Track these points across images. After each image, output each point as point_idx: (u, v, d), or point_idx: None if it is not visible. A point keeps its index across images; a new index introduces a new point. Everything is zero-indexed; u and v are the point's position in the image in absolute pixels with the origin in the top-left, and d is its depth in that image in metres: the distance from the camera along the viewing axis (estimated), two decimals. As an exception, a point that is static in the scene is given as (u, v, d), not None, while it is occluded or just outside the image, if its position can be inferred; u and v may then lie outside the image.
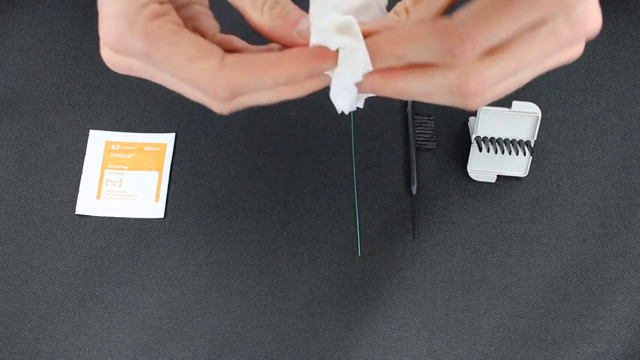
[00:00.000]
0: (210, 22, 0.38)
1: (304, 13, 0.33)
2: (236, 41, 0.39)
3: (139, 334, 0.46)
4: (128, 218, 0.49)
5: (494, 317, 0.47)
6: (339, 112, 0.36)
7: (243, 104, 0.35)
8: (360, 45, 0.32)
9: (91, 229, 0.49)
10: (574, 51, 0.34)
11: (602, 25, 0.53)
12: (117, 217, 0.49)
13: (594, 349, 0.47)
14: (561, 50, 0.32)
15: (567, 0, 0.30)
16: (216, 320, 0.47)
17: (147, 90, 0.53)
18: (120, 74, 0.55)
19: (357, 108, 0.36)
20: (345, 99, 0.35)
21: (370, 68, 0.32)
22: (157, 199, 0.50)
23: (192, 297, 0.47)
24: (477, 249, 0.49)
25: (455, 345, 0.47)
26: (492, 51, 0.31)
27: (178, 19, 0.33)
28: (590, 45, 0.53)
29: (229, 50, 0.38)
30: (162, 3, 0.33)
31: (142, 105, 0.53)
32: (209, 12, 0.38)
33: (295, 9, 0.34)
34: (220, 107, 0.34)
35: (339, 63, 0.33)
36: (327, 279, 0.48)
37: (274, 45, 0.36)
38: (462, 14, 0.30)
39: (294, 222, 0.49)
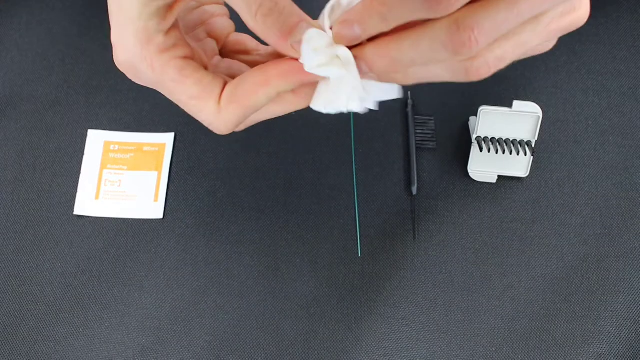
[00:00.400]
0: (223, 24, 0.38)
1: (302, 18, 0.32)
2: (249, 41, 0.39)
3: (138, 335, 0.46)
4: (127, 218, 0.49)
5: (495, 318, 0.47)
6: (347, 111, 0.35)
7: (254, 122, 0.36)
8: (351, 75, 0.31)
9: (90, 229, 0.49)
10: (577, 12, 0.32)
11: (603, 25, 0.53)
12: (116, 218, 0.49)
13: (595, 349, 0.47)
14: (555, 5, 0.30)
15: None
16: (215, 321, 0.47)
17: (146, 90, 0.53)
18: (120, 74, 0.54)
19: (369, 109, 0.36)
20: (351, 101, 0.34)
21: (362, 93, 0.32)
22: (156, 199, 0.50)
23: (191, 298, 0.47)
24: (478, 249, 0.49)
25: (455, 347, 0.46)
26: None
27: (187, 51, 0.34)
28: (591, 45, 0.53)
29: (241, 51, 0.39)
30: (167, 33, 0.33)
31: (141, 105, 0.53)
32: (224, 11, 0.38)
33: (292, 15, 0.32)
34: (225, 133, 0.35)
35: (330, 89, 0.33)
36: (327, 280, 0.48)
37: None
38: None
39: (294, 222, 0.49)
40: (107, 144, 0.51)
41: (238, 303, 0.47)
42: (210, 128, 0.35)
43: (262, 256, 0.48)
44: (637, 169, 0.50)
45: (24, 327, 0.46)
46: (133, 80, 0.35)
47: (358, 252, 0.48)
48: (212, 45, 0.38)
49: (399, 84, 0.33)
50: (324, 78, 0.33)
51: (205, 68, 0.35)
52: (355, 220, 0.49)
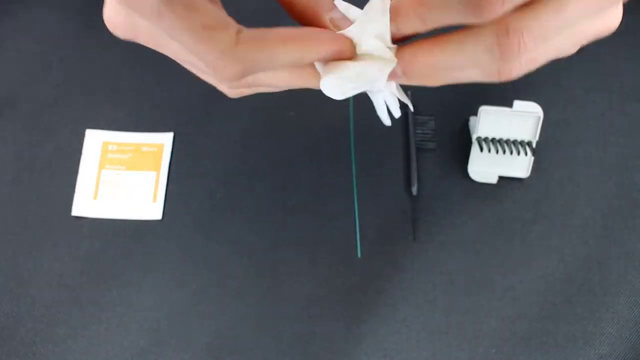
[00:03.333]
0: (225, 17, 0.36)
1: (335, 5, 0.31)
2: None
3: (136, 337, 0.46)
4: (125, 219, 0.49)
5: (495, 319, 0.47)
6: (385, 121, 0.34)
7: (251, 88, 0.34)
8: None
9: (88, 230, 0.49)
10: (614, 17, 0.32)
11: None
12: (114, 219, 0.49)
13: (597, 351, 0.46)
14: (603, 7, 0.30)
15: None
16: (214, 322, 0.47)
17: (145, 90, 0.53)
18: (118, 74, 0.54)
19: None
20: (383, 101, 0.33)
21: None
22: (154, 200, 0.49)
23: (190, 299, 0.47)
24: (478, 250, 0.48)
25: (456, 348, 0.46)
26: (529, 3, 0.28)
27: None
28: (592, 44, 0.52)
29: None
30: None
31: (139, 104, 0.52)
32: (220, 6, 0.37)
33: None
34: (226, 87, 0.32)
35: (351, 76, 0.31)
36: (326, 281, 0.48)
37: None
38: None
39: (293, 223, 0.48)
40: (105, 144, 0.51)
41: (237, 304, 0.47)
42: (216, 67, 0.30)
43: (261, 257, 0.48)
44: (638, 169, 0.50)
45: (22, 328, 0.46)
46: (120, 33, 0.32)
47: (357, 253, 0.48)
48: None
49: (426, 85, 0.32)
50: (357, 59, 0.31)
51: None
52: (355, 220, 0.49)
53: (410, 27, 0.30)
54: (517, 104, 0.47)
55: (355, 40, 0.31)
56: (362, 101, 0.51)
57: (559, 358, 0.46)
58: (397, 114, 0.34)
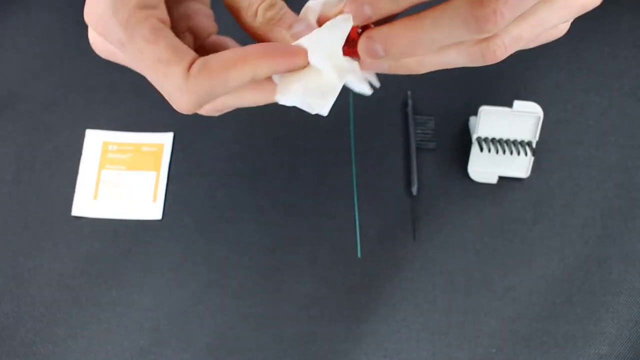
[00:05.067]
0: (206, 23, 0.36)
1: (299, 19, 0.32)
2: (230, 44, 0.38)
3: (136, 337, 0.46)
4: (125, 219, 0.49)
5: (495, 319, 0.47)
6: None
7: (222, 110, 0.34)
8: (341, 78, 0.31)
9: (88, 230, 0.49)
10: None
11: (605, 24, 0.53)
12: (114, 219, 0.49)
13: (597, 351, 0.46)
14: None
15: None
16: (214, 322, 0.47)
17: (145, 90, 0.53)
18: (118, 74, 0.54)
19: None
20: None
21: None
22: (154, 200, 0.49)
23: (190, 299, 0.47)
24: (478, 250, 0.48)
25: (456, 348, 0.46)
26: None
27: (165, 16, 0.32)
28: (592, 44, 0.53)
29: None
30: None
31: (139, 104, 0.52)
32: (209, 12, 0.37)
33: (290, 14, 0.32)
34: (186, 112, 0.32)
35: (307, 84, 0.32)
36: (326, 281, 0.48)
37: None
38: None
39: (293, 223, 0.48)
40: (105, 144, 0.51)
41: (237, 304, 0.47)
42: (172, 100, 0.32)
43: (262, 257, 0.48)
44: (638, 169, 0.50)
45: (22, 328, 0.46)
46: (101, 54, 0.33)
47: (358, 253, 0.48)
48: (188, 41, 0.36)
49: (412, 73, 0.32)
50: (308, 68, 0.32)
51: None
52: (355, 220, 0.49)
53: (384, 7, 0.29)
54: (517, 104, 0.47)
55: (310, 50, 0.31)
56: (362, 101, 0.51)
57: (559, 358, 0.46)
58: (366, 91, 0.33)
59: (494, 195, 0.50)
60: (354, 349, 0.46)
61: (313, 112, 0.32)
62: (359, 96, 0.51)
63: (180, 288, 0.47)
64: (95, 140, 0.51)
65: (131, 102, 0.53)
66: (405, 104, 0.51)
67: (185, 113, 0.32)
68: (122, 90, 0.53)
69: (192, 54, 0.31)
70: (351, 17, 0.31)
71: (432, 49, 0.30)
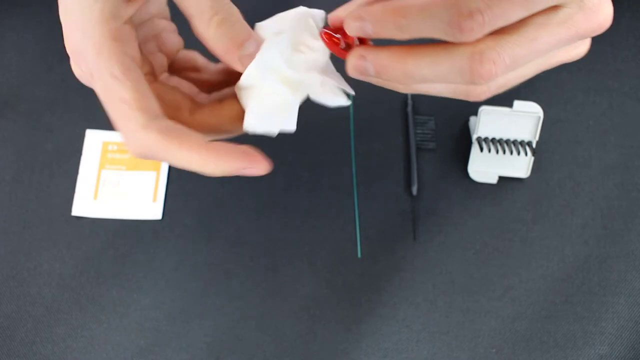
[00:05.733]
0: (173, 39, 0.37)
1: (253, 34, 0.33)
2: (198, 58, 0.38)
3: (136, 336, 0.46)
4: (125, 219, 0.49)
5: (495, 319, 0.47)
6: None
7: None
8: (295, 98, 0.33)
9: (88, 230, 0.49)
10: (579, 49, 0.34)
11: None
12: (114, 219, 0.49)
13: (597, 351, 0.46)
14: (571, 42, 0.31)
15: None
16: (214, 322, 0.47)
17: None
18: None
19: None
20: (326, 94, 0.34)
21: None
22: (154, 200, 0.49)
23: (190, 299, 0.47)
24: (478, 250, 0.48)
25: (456, 348, 0.46)
26: (505, 30, 0.29)
27: (136, 52, 0.32)
28: (593, 44, 0.52)
29: (190, 68, 0.37)
30: (124, 24, 0.31)
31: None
32: (173, 27, 0.37)
33: (244, 30, 0.33)
34: (132, 154, 0.33)
35: (265, 109, 0.34)
36: (326, 281, 0.48)
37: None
38: None
39: (293, 223, 0.48)
40: (105, 144, 0.51)
41: (237, 304, 0.47)
42: (123, 140, 0.32)
43: (261, 257, 0.48)
44: (638, 169, 0.50)
45: (22, 328, 0.46)
46: (73, 67, 0.33)
47: (358, 253, 0.48)
48: (161, 60, 0.36)
49: (396, 91, 0.33)
50: (264, 92, 0.33)
51: (155, 81, 0.34)
52: (355, 220, 0.49)
53: (388, 33, 0.30)
54: (517, 104, 0.47)
55: (258, 73, 0.32)
56: (362, 101, 0.51)
57: (559, 357, 0.46)
58: (343, 102, 0.35)
59: (494, 195, 0.50)
60: (354, 348, 0.46)
61: (276, 132, 0.34)
62: (359, 96, 0.51)
63: (180, 288, 0.47)
64: (95, 141, 0.51)
65: None
66: (405, 104, 0.51)
67: (132, 154, 0.32)
68: None
69: (155, 104, 0.31)
70: (283, 36, 0.33)
71: (422, 82, 0.31)
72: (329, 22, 0.33)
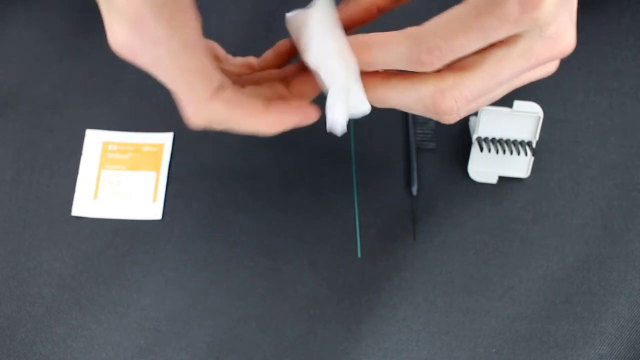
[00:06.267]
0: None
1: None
2: (218, 49, 0.39)
3: (136, 336, 0.46)
4: (125, 219, 0.49)
5: (495, 319, 0.47)
6: (330, 129, 0.36)
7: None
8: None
9: (88, 230, 0.49)
10: (547, 68, 0.34)
11: (605, 24, 0.53)
12: (114, 219, 0.49)
13: (597, 351, 0.46)
14: (533, 69, 0.32)
15: (538, 18, 0.29)
16: (214, 322, 0.47)
17: (145, 90, 0.53)
18: (118, 74, 0.54)
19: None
20: (341, 112, 0.35)
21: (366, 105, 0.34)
22: (154, 200, 0.49)
23: (190, 299, 0.47)
24: (478, 250, 0.48)
25: (456, 348, 0.46)
26: (466, 66, 0.32)
27: (198, 24, 0.32)
28: (592, 44, 0.52)
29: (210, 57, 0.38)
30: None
31: (139, 105, 0.52)
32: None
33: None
34: (192, 126, 0.34)
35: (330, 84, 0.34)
36: (326, 281, 0.48)
37: (252, 59, 0.37)
38: (431, 23, 0.31)
39: (293, 223, 0.48)
40: (105, 144, 0.51)
41: (237, 304, 0.47)
42: (186, 111, 0.33)
43: (262, 257, 0.48)
44: (638, 169, 0.50)
45: (22, 328, 0.46)
46: (122, 35, 0.31)
47: (358, 253, 0.48)
48: None
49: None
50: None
51: None
52: (355, 220, 0.49)
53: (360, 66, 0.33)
54: (517, 104, 0.47)
55: (320, 66, 0.34)
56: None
57: (559, 358, 0.46)
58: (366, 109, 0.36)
59: (494, 195, 0.50)
60: (354, 349, 0.46)
61: (359, 114, 0.35)
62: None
63: (180, 288, 0.47)
64: (95, 140, 0.51)
65: (131, 102, 0.52)
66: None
67: (191, 126, 0.33)
68: (122, 91, 0.53)
69: (219, 77, 0.32)
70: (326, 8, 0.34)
71: (395, 107, 0.35)
72: None
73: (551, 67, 0.35)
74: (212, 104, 0.32)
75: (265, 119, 0.34)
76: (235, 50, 0.51)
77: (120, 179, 0.50)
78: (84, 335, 0.46)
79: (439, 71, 0.32)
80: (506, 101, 0.50)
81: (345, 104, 0.34)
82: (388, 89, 0.34)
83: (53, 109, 0.52)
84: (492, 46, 0.32)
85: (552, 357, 0.46)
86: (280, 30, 0.52)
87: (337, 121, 0.35)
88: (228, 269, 0.48)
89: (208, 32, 0.52)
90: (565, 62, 0.52)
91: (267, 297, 0.47)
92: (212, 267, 0.48)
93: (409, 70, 0.32)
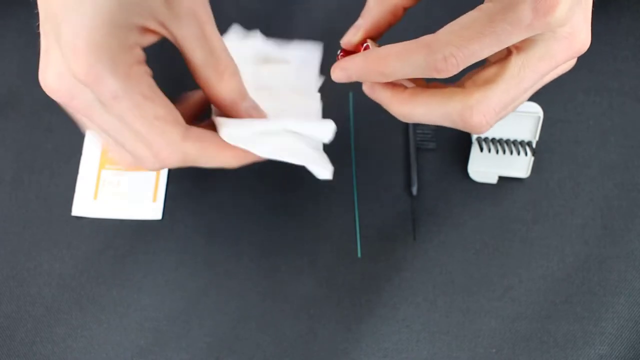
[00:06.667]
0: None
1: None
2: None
3: (136, 337, 0.46)
4: (125, 219, 0.49)
5: (495, 319, 0.47)
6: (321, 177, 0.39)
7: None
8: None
9: (88, 230, 0.49)
10: (566, 65, 0.35)
11: (605, 24, 0.53)
12: (114, 219, 0.49)
13: (596, 351, 0.46)
14: (553, 70, 0.33)
15: (549, 20, 0.29)
16: (214, 322, 0.47)
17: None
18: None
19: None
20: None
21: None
22: (154, 200, 0.49)
23: (190, 299, 0.47)
24: (478, 250, 0.48)
25: (456, 348, 0.46)
26: (490, 79, 0.33)
27: (151, 72, 0.33)
28: (593, 44, 0.52)
29: None
30: (143, 48, 0.33)
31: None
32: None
33: (243, 84, 0.37)
34: (169, 166, 0.35)
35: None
36: (326, 281, 0.48)
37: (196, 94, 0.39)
38: (445, 30, 0.31)
39: (294, 223, 0.48)
40: None
41: (237, 304, 0.47)
42: (161, 154, 0.34)
43: (262, 257, 0.48)
44: (638, 169, 0.50)
45: (22, 328, 0.46)
46: (57, 96, 0.33)
47: (358, 253, 0.48)
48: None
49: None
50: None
51: None
52: (355, 220, 0.49)
53: (372, 78, 0.34)
54: (517, 104, 0.47)
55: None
56: (363, 101, 0.51)
57: (559, 358, 0.46)
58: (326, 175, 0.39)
59: (494, 195, 0.50)
60: (354, 348, 0.46)
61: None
62: (359, 96, 0.52)
63: (180, 288, 0.47)
64: (95, 141, 0.51)
65: None
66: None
67: (167, 167, 0.35)
68: None
69: (180, 116, 0.34)
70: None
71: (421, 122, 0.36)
72: (343, 46, 0.37)
73: (570, 64, 0.36)
74: (185, 144, 0.34)
75: (232, 152, 0.35)
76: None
77: (120, 179, 0.50)
78: (84, 335, 0.46)
79: (463, 86, 0.34)
80: (506, 101, 0.50)
81: (308, 154, 0.38)
82: (416, 105, 0.34)
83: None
84: (510, 54, 0.32)
85: (552, 357, 0.46)
86: (281, 30, 0.52)
87: (319, 171, 0.38)
88: (228, 269, 0.48)
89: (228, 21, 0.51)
90: (565, 62, 0.52)
91: (267, 297, 0.47)
92: (212, 267, 0.48)
93: (426, 77, 0.32)
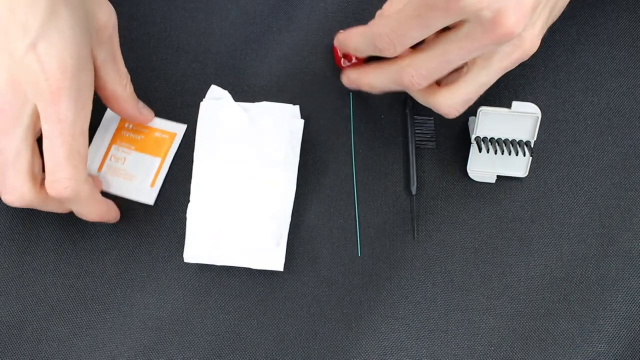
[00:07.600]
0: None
1: None
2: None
3: (140, 335, 0.47)
4: (118, 196, 0.49)
5: (494, 317, 0.47)
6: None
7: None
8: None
9: (91, 229, 0.49)
10: (513, 56, 0.40)
11: (602, 24, 0.53)
12: (110, 193, 0.49)
13: (594, 349, 0.47)
14: (481, 51, 0.38)
15: (464, 7, 0.34)
16: (216, 321, 0.47)
17: (165, 77, 0.51)
18: (136, 59, 0.54)
19: None
20: None
21: None
22: (152, 185, 0.49)
23: (192, 298, 0.48)
24: (477, 249, 0.49)
25: (454, 346, 0.47)
26: (422, 48, 0.41)
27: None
28: (590, 44, 0.53)
29: None
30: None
31: (161, 88, 0.51)
32: None
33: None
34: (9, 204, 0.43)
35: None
36: (326, 280, 0.48)
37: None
38: (385, 14, 0.44)
39: (293, 222, 0.49)
40: (123, 121, 0.51)
41: (239, 303, 0.48)
42: (6, 189, 0.41)
43: (263, 256, 0.48)
44: (635, 168, 0.50)
45: (28, 327, 0.47)
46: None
47: (358, 252, 0.49)
48: None
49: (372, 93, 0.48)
50: None
51: None
52: (355, 220, 0.49)
53: (347, 51, 0.47)
54: (516, 104, 0.47)
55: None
56: (363, 101, 0.51)
57: (557, 355, 0.47)
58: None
59: (493, 194, 0.50)
60: (354, 347, 0.47)
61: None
62: (359, 96, 0.52)
63: (182, 287, 0.48)
64: (114, 116, 0.50)
65: (152, 86, 0.51)
66: (405, 104, 0.51)
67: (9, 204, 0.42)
68: (144, 73, 0.51)
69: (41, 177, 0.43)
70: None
71: (380, 89, 0.46)
72: (336, 46, 0.48)
73: (516, 56, 0.40)
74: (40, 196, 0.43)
75: (75, 206, 0.44)
76: (235, 50, 0.52)
77: (127, 157, 0.50)
78: (89, 334, 0.47)
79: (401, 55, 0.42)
80: (504, 102, 0.50)
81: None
82: (366, 74, 0.45)
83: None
84: (444, 31, 0.39)
85: (550, 354, 0.47)
86: (280, 30, 0.52)
87: (270, 266, 0.47)
88: (229, 268, 0.48)
89: (209, 32, 0.52)
90: (563, 62, 0.52)
91: (268, 296, 0.48)
92: (213, 266, 0.48)
93: (382, 55, 0.41)
